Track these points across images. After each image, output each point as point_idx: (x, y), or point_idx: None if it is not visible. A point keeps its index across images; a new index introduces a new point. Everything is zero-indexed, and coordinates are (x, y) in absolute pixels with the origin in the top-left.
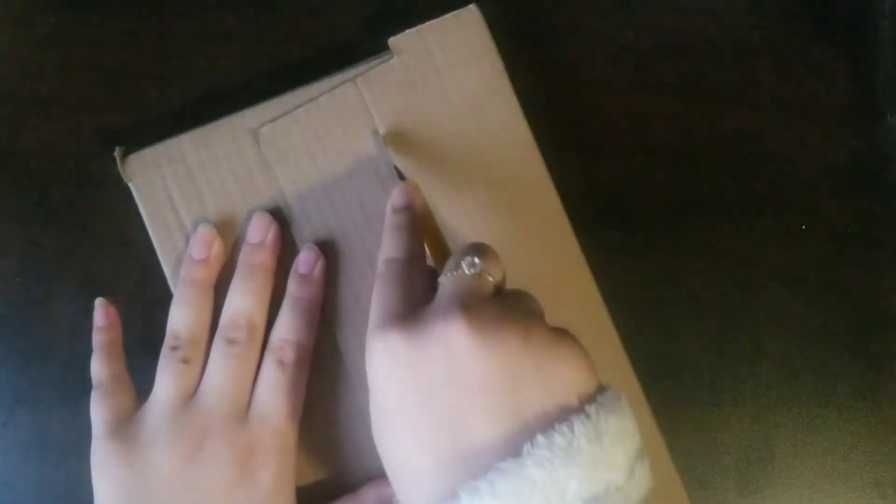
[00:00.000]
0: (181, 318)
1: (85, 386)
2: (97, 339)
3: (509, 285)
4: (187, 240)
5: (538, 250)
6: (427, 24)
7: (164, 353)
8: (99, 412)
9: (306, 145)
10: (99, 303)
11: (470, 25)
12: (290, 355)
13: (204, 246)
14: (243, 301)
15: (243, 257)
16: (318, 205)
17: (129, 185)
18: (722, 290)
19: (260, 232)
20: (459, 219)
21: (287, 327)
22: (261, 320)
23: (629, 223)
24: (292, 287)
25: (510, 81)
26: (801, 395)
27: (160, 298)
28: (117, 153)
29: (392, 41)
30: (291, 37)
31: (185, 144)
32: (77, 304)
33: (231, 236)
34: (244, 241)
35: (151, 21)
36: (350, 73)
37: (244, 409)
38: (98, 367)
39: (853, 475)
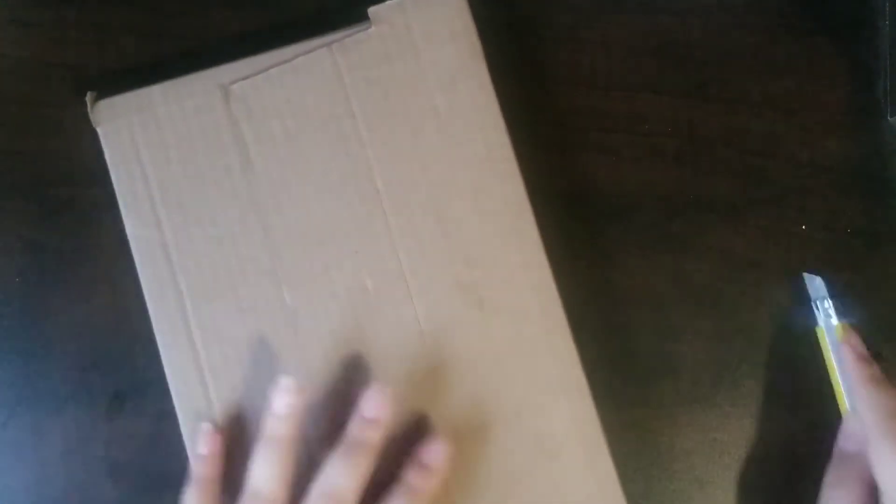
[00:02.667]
0: (262, 474)
1: (85, 386)
2: (197, 469)
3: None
4: (147, 186)
5: (497, 233)
6: None
7: None
8: None
9: (275, 106)
10: (206, 429)
11: (452, 4)
12: None
13: (288, 396)
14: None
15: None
16: (281, 166)
17: (97, 129)
18: (722, 290)
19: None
20: (421, 196)
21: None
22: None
23: (628, 223)
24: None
25: (486, 63)
26: (801, 395)
27: None
28: (88, 98)
29: (372, 11)
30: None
31: (156, 95)
32: (77, 305)
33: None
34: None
35: (152, 20)
36: (327, 38)
37: None
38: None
39: None
